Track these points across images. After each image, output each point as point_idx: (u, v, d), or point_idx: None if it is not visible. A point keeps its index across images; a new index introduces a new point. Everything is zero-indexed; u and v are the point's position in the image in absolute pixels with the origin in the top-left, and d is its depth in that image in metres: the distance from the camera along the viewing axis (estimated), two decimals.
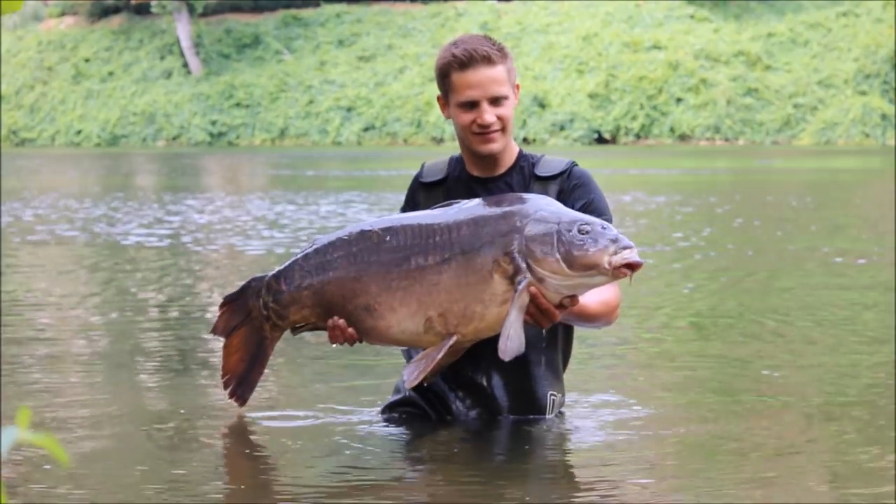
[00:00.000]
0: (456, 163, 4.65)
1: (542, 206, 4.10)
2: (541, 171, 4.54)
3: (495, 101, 4.44)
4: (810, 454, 4.37)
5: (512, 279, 4.04)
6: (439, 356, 4.14)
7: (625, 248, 3.95)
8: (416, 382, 4.19)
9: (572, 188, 4.51)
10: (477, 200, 4.20)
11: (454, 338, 4.12)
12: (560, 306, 4.07)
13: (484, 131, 4.46)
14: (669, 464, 4.29)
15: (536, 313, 4.05)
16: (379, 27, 59.44)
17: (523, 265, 4.02)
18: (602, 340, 6.56)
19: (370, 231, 4.23)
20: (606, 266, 3.93)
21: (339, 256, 4.25)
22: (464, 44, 4.46)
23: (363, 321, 4.20)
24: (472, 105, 4.45)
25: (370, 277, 4.18)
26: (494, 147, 4.50)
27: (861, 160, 35.02)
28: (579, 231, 3.98)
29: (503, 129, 4.47)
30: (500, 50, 4.47)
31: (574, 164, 4.57)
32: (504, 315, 4.07)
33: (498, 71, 4.43)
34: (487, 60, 4.42)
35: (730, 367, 5.92)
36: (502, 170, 4.57)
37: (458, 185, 4.60)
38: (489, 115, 4.44)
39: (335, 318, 4.23)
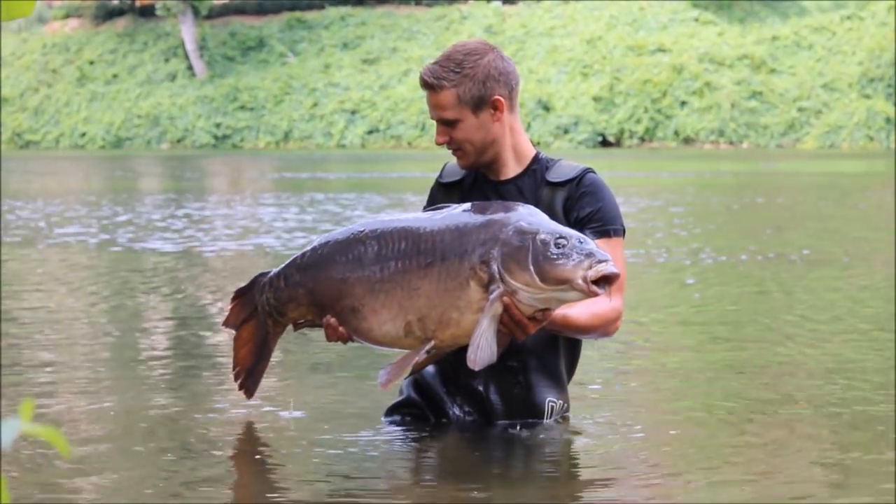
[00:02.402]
0: None
1: (524, 217, 4.07)
2: (552, 176, 4.54)
3: (446, 122, 4.50)
4: (810, 454, 4.38)
5: (487, 288, 4.02)
6: (415, 360, 4.14)
7: (600, 262, 3.91)
8: (390, 385, 4.19)
9: (580, 196, 4.50)
10: (464, 206, 4.20)
11: (431, 343, 4.11)
12: (533, 319, 4.06)
13: (449, 147, 4.53)
14: (668, 466, 4.30)
15: (510, 324, 4.03)
16: (383, 30, 59.49)
17: (497, 275, 4.02)
18: (602, 342, 6.55)
19: (359, 232, 4.25)
20: (580, 282, 3.89)
21: (331, 257, 4.27)
22: (430, 62, 4.53)
23: (350, 322, 4.22)
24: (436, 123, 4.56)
25: (356, 279, 4.19)
26: (461, 163, 4.57)
27: (865, 163, 35.02)
28: (555, 245, 3.94)
29: (462, 149, 4.51)
30: (459, 71, 4.46)
31: (588, 172, 4.54)
32: None
33: (442, 97, 4.47)
34: (430, 87, 4.49)
35: (731, 368, 5.92)
36: (513, 174, 4.57)
37: (472, 187, 4.62)
38: (439, 135, 4.53)
39: (328, 316, 4.25)
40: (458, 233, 4.10)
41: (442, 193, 4.68)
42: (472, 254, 4.05)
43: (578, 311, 4.27)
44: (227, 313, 4.53)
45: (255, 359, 4.50)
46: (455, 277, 4.06)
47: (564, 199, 4.49)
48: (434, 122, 4.58)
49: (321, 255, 4.30)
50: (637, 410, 5.04)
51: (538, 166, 4.57)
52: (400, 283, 4.12)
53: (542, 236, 3.98)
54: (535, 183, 4.55)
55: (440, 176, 4.72)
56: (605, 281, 3.91)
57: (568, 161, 4.60)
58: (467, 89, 4.46)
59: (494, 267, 4.01)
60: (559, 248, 3.94)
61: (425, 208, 4.65)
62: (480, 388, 4.55)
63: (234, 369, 4.54)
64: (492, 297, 4.00)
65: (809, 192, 21.92)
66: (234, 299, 4.52)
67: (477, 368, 4.02)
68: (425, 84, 4.50)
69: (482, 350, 4.00)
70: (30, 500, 3.86)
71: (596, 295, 3.92)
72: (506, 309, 4.01)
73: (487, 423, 4.57)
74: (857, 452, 4.37)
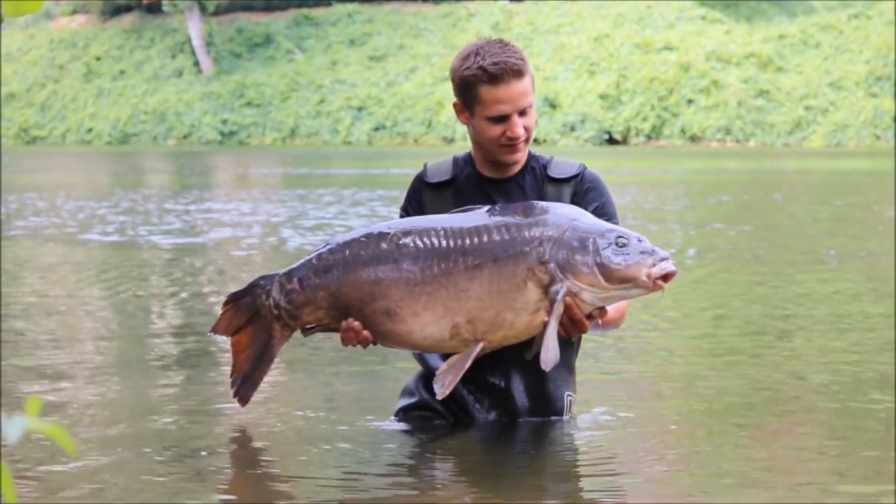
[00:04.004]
0: (463, 163, 4.60)
1: (576, 217, 4.08)
2: (554, 172, 4.53)
3: (523, 111, 4.40)
4: (810, 453, 4.37)
5: (546, 288, 4.01)
6: (467, 365, 4.08)
7: (661, 259, 3.97)
8: (447, 393, 4.12)
9: (585, 191, 4.51)
10: (505, 206, 4.16)
11: (480, 345, 4.07)
12: (589, 317, 4.06)
13: (512, 143, 4.42)
14: (671, 465, 4.29)
15: (568, 324, 4.05)
16: (390, 27, 59.47)
17: (560, 275, 4.00)
18: (607, 341, 6.55)
19: (390, 233, 4.15)
20: (645, 279, 3.94)
21: (358, 258, 4.15)
22: (490, 55, 4.38)
23: (382, 325, 4.12)
24: (502, 118, 4.39)
25: (391, 281, 4.09)
26: (520, 156, 4.48)
27: (872, 162, 34.98)
28: (616, 244, 3.97)
29: (527, 139, 4.46)
30: (522, 58, 4.42)
31: (585, 167, 4.57)
32: (534, 323, 4.04)
33: (526, 82, 4.39)
34: (518, 74, 4.36)
35: (735, 368, 5.91)
36: (514, 171, 4.56)
37: (468, 186, 4.55)
38: (519, 128, 4.40)
39: (350, 320, 4.15)
40: (507, 233, 4.06)
41: (430, 194, 4.57)
42: (527, 254, 4.02)
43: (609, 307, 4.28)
44: (218, 319, 4.36)
45: (253, 365, 4.35)
46: (511, 279, 4.02)
47: (571, 195, 4.49)
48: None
49: (345, 257, 4.18)
50: (637, 410, 5.04)
51: (536, 164, 4.56)
52: (444, 285, 4.05)
53: (603, 236, 4.00)
54: (535, 180, 4.54)
55: (424, 175, 4.60)
56: (665, 278, 3.94)
57: (560, 157, 4.60)
58: (531, 74, 4.45)
59: (554, 267, 3.99)
60: (621, 247, 3.97)
61: (405, 209, 4.56)
62: (501, 383, 4.52)
63: (232, 376, 4.39)
64: (558, 297, 3.99)
65: (816, 190, 21.89)
66: (226, 304, 4.35)
67: (548, 369, 4.04)
68: (515, 73, 4.36)
69: (551, 350, 4.01)
70: (32, 498, 3.85)
71: (658, 290, 3.96)
72: (566, 309, 4.00)
73: (508, 419, 4.55)
74: (859, 452, 4.36)
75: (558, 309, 3.99)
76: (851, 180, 25.68)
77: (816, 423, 4.81)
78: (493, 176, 4.55)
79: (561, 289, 3.99)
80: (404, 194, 4.65)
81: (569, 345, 4.54)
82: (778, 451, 4.40)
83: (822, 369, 5.87)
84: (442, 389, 4.10)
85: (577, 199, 4.49)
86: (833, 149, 46.54)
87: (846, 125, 48.82)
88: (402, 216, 4.54)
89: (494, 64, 4.35)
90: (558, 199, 4.46)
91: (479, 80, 4.37)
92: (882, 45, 50.83)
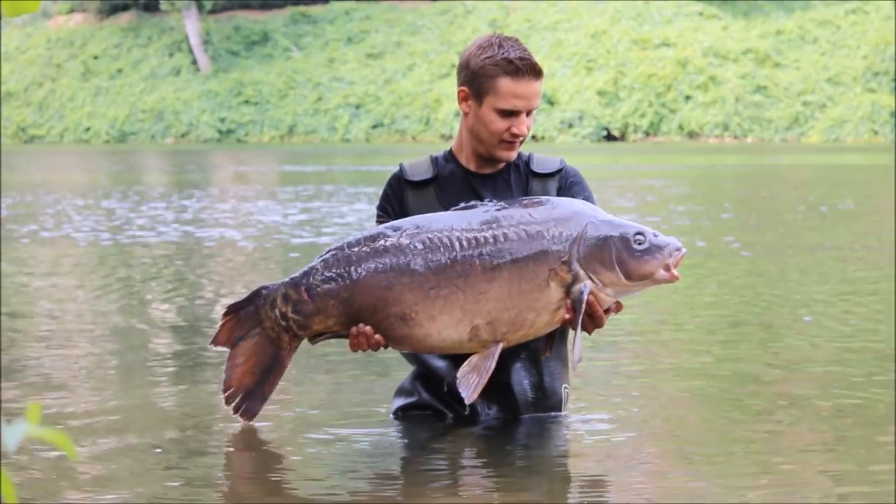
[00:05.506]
0: (444, 160, 4.58)
1: (590, 214, 4.09)
2: (537, 168, 4.55)
3: (529, 112, 4.42)
4: (810, 453, 4.38)
5: (567, 288, 4.02)
6: (492, 366, 4.06)
7: (676, 250, 4.03)
8: (475, 397, 4.09)
9: (570, 185, 4.54)
10: (510, 202, 4.15)
11: (501, 345, 4.06)
12: (606, 311, 4.09)
13: (513, 140, 4.42)
14: (671, 464, 4.30)
15: (587, 320, 4.07)
16: (388, 24, 59.48)
17: (582, 274, 4.01)
18: (610, 338, 6.55)
19: (397, 235, 4.10)
20: (663, 272, 4.00)
21: (367, 263, 4.09)
22: (515, 50, 4.39)
23: (396, 329, 4.06)
24: (512, 114, 4.39)
25: (404, 286, 4.03)
26: (514, 155, 4.48)
27: (869, 157, 34.99)
28: (635, 241, 4.01)
29: (523, 140, 4.48)
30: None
31: (565, 162, 4.60)
32: (553, 322, 4.06)
33: (540, 84, 4.43)
34: (538, 74, 4.39)
35: (735, 365, 5.91)
36: (500, 166, 4.56)
37: (452, 182, 4.52)
38: (525, 126, 4.41)
39: (360, 325, 4.10)
40: (523, 231, 4.05)
41: (412, 192, 4.52)
42: (548, 254, 4.02)
43: None
44: (217, 331, 4.27)
45: (258, 378, 4.25)
46: (532, 279, 4.01)
47: (557, 189, 4.51)
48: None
49: (353, 262, 4.11)
50: (634, 406, 5.04)
51: (518, 160, 4.57)
52: (461, 287, 4.01)
53: (621, 234, 4.03)
54: (519, 175, 4.54)
55: (404, 174, 4.53)
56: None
57: (539, 154, 4.62)
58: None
59: (577, 266, 4.01)
60: (639, 244, 4.02)
61: (384, 209, 4.50)
62: (502, 378, 4.49)
63: (226, 391, 4.28)
64: (583, 296, 4.00)
65: (814, 186, 21.90)
66: (226, 315, 4.26)
67: (576, 369, 4.15)
68: (536, 72, 4.39)
69: (579, 348, 4.03)
70: (31, 499, 3.85)
71: (673, 281, 4.05)
72: (588, 306, 4.03)
73: (508, 413, 4.55)
74: (858, 453, 4.36)
75: (584, 308, 4.01)
76: (842, 175, 25.69)
77: (816, 423, 4.81)
78: (480, 171, 4.55)
79: (585, 288, 4.01)
80: (381, 194, 4.59)
81: (564, 338, 4.55)
82: (779, 446, 4.40)
83: (822, 367, 5.87)
84: (470, 393, 4.07)
85: (562, 193, 4.51)
86: (831, 144, 46.56)
87: (844, 120, 48.86)
88: (380, 217, 4.49)
89: (521, 59, 4.36)
90: (544, 194, 4.47)
91: (501, 71, 4.37)
92: (880, 41, 50.85)
